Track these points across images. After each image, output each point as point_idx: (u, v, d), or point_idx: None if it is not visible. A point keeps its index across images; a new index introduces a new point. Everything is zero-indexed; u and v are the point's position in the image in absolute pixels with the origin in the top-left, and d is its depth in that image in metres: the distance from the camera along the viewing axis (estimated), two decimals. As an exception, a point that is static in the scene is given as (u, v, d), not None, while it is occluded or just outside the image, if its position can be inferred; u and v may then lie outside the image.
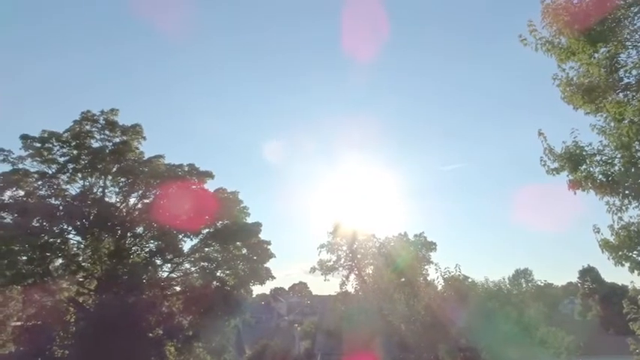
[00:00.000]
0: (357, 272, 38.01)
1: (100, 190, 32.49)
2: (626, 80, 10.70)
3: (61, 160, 31.50)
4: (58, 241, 30.12)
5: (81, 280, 31.89)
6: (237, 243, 33.78)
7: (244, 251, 34.26)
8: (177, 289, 35.45)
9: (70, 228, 31.02)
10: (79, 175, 31.96)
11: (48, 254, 29.57)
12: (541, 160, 11.31)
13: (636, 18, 10.22)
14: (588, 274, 70.99)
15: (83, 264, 31.41)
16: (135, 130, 33.18)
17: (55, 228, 29.87)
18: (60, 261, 31.05)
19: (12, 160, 30.26)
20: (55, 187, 31.09)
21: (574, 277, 77.37)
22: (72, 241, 31.39)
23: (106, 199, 32.49)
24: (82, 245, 31.18)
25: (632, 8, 10.20)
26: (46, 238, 29.25)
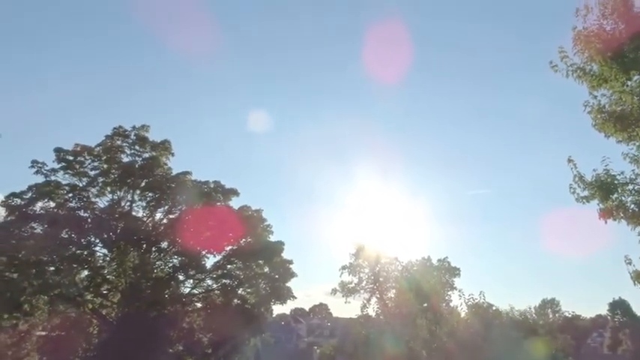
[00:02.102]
0: (378, 295, 37.53)
1: (128, 204, 33.07)
2: (660, 109, 10.49)
3: (92, 173, 32.24)
4: (85, 253, 30.63)
5: (105, 292, 32.30)
6: (260, 261, 33.79)
7: (266, 270, 34.24)
8: (199, 305, 35.59)
9: (97, 240, 31.56)
10: (109, 188, 32.62)
11: (75, 266, 30.06)
12: (570, 188, 11.10)
13: (671, 47, 10.05)
14: (619, 306, 68.69)
15: (108, 277, 31.83)
16: (164, 147, 33.81)
17: (83, 240, 30.46)
18: (86, 273, 31.53)
19: (45, 172, 31.08)
20: (84, 199, 31.76)
21: (603, 310, 74.91)
22: (98, 254, 31.92)
23: (133, 213, 33.02)
24: (108, 258, 31.63)
25: (666, 37, 10.05)
26: (73, 249, 29.80)
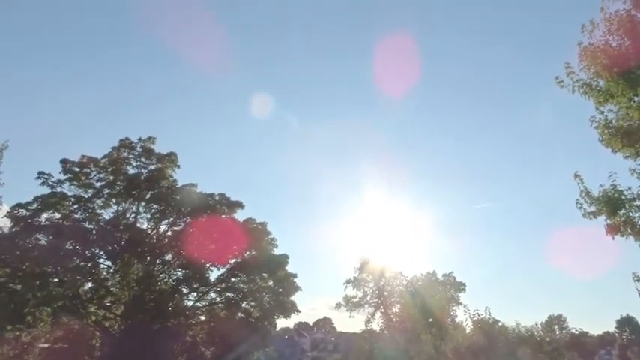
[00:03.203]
0: (383, 310, 37.33)
1: (133, 215, 33.10)
2: (667, 124, 10.44)
3: (98, 185, 32.34)
4: (90, 264, 30.62)
5: (108, 304, 32.22)
6: (264, 274, 33.69)
7: (270, 283, 34.11)
8: (202, 318, 35.45)
9: (101, 252, 31.55)
10: (114, 200, 32.69)
11: (79, 277, 30.01)
12: (577, 203, 11.03)
13: (677, 63, 10.03)
14: (627, 323, 67.88)
15: (112, 289, 31.78)
16: (170, 159, 33.91)
17: (87, 252, 30.46)
18: (89, 285, 31.49)
19: (51, 183, 31.20)
20: (90, 211, 31.83)
21: (611, 327, 74.01)
22: (102, 266, 31.90)
23: (138, 225, 33.04)
24: (112, 270, 31.61)
25: (672, 53, 10.03)
26: (78, 261, 29.79)
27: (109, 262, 31.94)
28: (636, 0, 10.32)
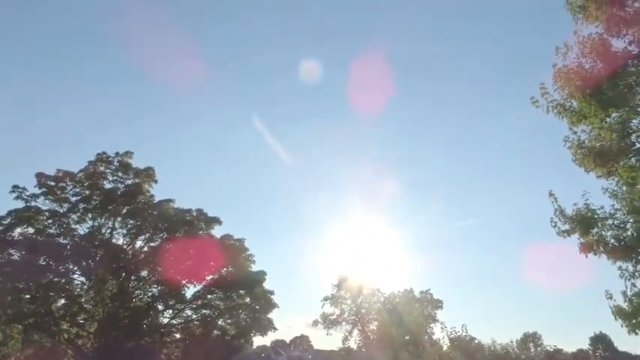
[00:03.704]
0: (360, 327, 37.21)
1: (109, 231, 32.58)
2: (638, 145, 10.74)
3: (73, 199, 31.81)
4: (63, 280, 29.99)
5: (81, 322, 31.45)
6: (241, 291, 33.37)
7: (247, 300, 33.81)
8: (177, 336, 34.82)
9: (75, 268, 30.92)
10: (89, 215, 32.16)
11: (51, 294, 29.35)
12: (551, 222, 11.22)
13: (647, 86, 10.40)
14: (600, 341, 68.85)
15: (85, 305, 31.08)
16: (147, 174, 33.59)
17: (61, 267, 29.82)
18: (62, 301, 30.76)
19: (26, 197, 30.60)
20: (64, 226, 31.25)
21: (585, 344, 74.90)
22: (76, 282, 31.25)
23: (114, 241, 32.53)
24: (86, 286, 30.96)
25: (643, 76, 10.40)
26: (51, 277, 29.15)
27: (83, 279, 31.34)
28: (608, 24, 10.70)
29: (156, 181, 34.09)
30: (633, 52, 10.39)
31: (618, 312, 10.33)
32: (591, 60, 10.58)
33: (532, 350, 68.00)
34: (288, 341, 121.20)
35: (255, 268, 34.43)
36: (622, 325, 10.29)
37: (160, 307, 33.17)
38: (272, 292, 33.95)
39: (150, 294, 32.96)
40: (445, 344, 34.66)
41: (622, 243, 10.39)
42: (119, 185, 32.96)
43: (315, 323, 38.00)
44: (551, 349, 67.38)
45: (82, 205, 31.82)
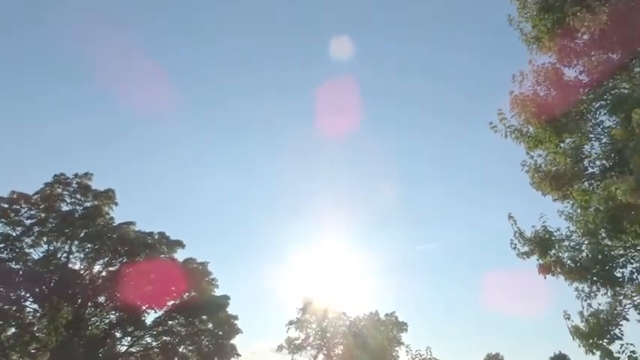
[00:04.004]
0: (326, 352, 36.85)
1: (65, 255, 31.38)
2: (590, 170, 11.20)
3: (28, 222, 30.60)
4: (14, 308, 28.61)
5: (33, 351, 29.96)
6: (204, 317, 32.62)
7: (210, 326, 33.04)
8: (136, 364, 33.57)
9: (27, 295, 29.60)
10: (45, 238, 30.94)
11: (1, 322, 27.94)
12: (511, 244, 11.48)
13: (598, 113, 10.90)
14: (560, 361, 70.12)
15: (37, 334, 29.68)
16: (107, 195, 32.73)
17: (12, 294, 28.49)
18: (13, 330, 29.28)
19: (-25, 220, 29.29)
20: (17, 250, 29.97)
21: (546, 364, 76.15)
22: (28, 309, 29.86)
23: (70, 265, 31.33)
24: (39, 314, 29.63)
25: (594, 103, 10.91)
26: (1, 304, 27.78)
27: (35, 306, 29.99)
28: (560, 55, 11.23)
29: (116, 204, 33.23)
30: (584, 81, 10.90)
31: (576, 332, 10.56)
32: (545, 88, 11.05)
33: (495, 372, 68.63)
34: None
35: (218, 292, 33.83)
36: (580, 345, 10.51)
37: (118, 335, 32.03)
38: (236, 317, 33.34)
39: (107, 321, 31.81)
40: (410, 367, 34.62)
41: (578, 264, 10.68)
42: (77, 207, 31.96)
43: (280, 348, 37.45)
44: (514, 370, 68.14)
45: (36, 229, 30.62)
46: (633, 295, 10.64)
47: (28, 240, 30.58)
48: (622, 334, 10.17)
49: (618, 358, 10.04)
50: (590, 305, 10.63)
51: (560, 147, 11.28)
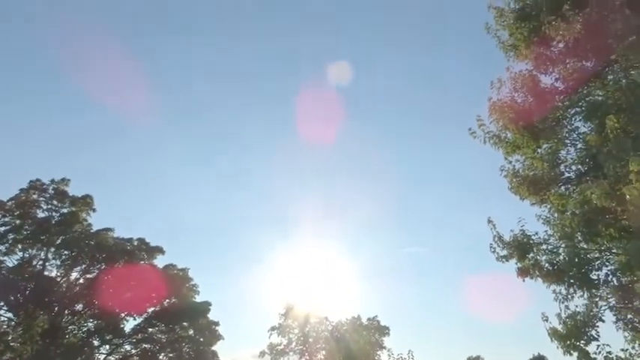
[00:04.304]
0: (308, 357, 36.71)
1: (41, 262, 30.77)
2: (566, 175, 11.45)
3: (1, 229, 29.92)
4: (-13, 317, 27.92)
5: (8, 362, 29.27)
6: (184, 323, 32.31)
7: (191, 332, 32.75)
8: (115, 373, 33.04)
9: (1, 303, 28.92)
10: (19, 246, 30.31)
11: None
12: (491, 247, 11.66)
13: (573, 119, 11.17)
14: (538, 362, 71.10)
15: (12, 344, 28.93)
16: (85, 202, 32.22)
17: (-15, 302, 27.81)
18: (-14, 339, 28.53)
19: (-53, 227, 28.56)
20: (-10, 258, 29.28)
21: (525, 365, 77.11)
22: (2, 318, 29.15)
23: (46, 273, 30.72)
24: (14, 322, 28.93)
25: (569, 110, 11.17)
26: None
27: (10, 314, 29.27)
28: (536, 62, 11.48)
29: (94, 210, 32.75)
30: (559, 88, 11.16)
31: (554, 334, 10.74)
32: (523, 94, 11.27)
33: (475, 374, 69.31)
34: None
35: (199, 298, 33.58)
36: (558, 347, 10.70)
37: (96, 343, 31.54)
38: (217, 324, 33.12)
39: (85, 329, 31.28)
40: (392, 371, 34.76)
41: (555, 267, 10.90)
42: (54, 214, 31.40)
43: (262, 354, 37.14)
44: (493, 372, 68.95)
45: (11, 236, 29.98)
46: (608, 297, 10.89)
47: (2, 247, 29.92)
48: (598, 336, 10.38)
49: (595, 358, 10.24)
50: (567, 307, 10.84)
51: (538, 152, 11.52)
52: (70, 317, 31.27)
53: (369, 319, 38.87)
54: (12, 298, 28.92)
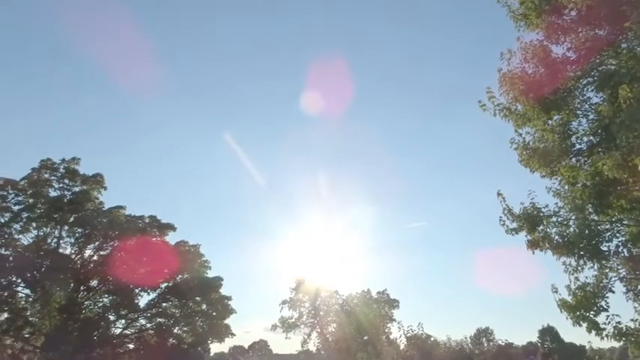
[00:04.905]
0: (319, 330, 37.26)
1: (55, 240, 31.28)
2: (578, 146, 11.29)
3: (16, 208, 30.33)
4: (6, 293, 28.52)
5: (27, 336, 30.04)
6: (197, 298, 32.79)
7: (204, 307, 33.26)
8: (131, 346, 33.79)
9: (19, 280, 29.50)
10: (34, 224, 30.75)
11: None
12: (500, 220, 11.64)
13: (585, 89, 10.93)
14: (548, 333, 71.68)
15: (31, 319, 29.69)
16: (96, 180, 32.48)
17: (3, 280, 28.37)
18: (6, 315, 29.26)
19: (-37, 207, 28.97)
20: (6, 236, 29.76)
21: (534, 337, 77.73)
22: (20, 294, 29.80)
23: (60, 250, 31.24)
24: (31, 299, 29.58)
25: (581, 80, 10.93)
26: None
27: (27, 291, 29.93)
28: (548, 32, 11.21)
29: (105, 188, 33.06)
30: (571, 58, 10.90)
31: (563, 305, 10.79)
32: (533, 65, 11.03)
33: (485, 345, 70.03)
34: (246, 347, 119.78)
35: (211, 273, 34.02)
36: (567, 318, 10.76)
37: (112, 318, 32.18)
38: (229, 298, 33.59)
39: (101, 304, 31.90)
40: (402, 343, 35.23)
41: (565, 239, 10.87)
42: (65, 193, 31.72)
43: (274, 327, 37.77)
44: (503, 343, 69.64)
45: (25, 214, 30.39)
46: (619, 268, 10.89)
47: (17, 226, 30.39)
48: (608, 306, 10.42)
49: (604, 329, 10.30)
50: (577, 279, 10.86)
51: (548, 124, 11.34)
52: (85, 293, 31.88)
53: (378, 293, 39.28)
54: (29, 275, 29.47)
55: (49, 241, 31.15)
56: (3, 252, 29.49)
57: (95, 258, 32.23)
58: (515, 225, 11.46)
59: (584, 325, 10.50)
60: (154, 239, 32.62)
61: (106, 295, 32.04)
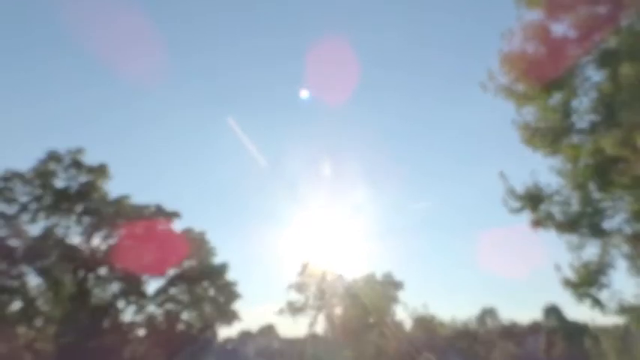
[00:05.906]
0: (325, 313, 37.72)
1: (63, 230, 31.54)
2: (579, 125, 11.37)
3: (23, 199, 30.59)
4: (17, 283, 28.91)
5: (39, 324, 30.50)
6: (204, 284, 33.15)
7: (211, 292, 33.61)
8: (141, 333, 34.28)
9: (29, 270, 29.86)
10: (42, 215, 31.02)
11: (7, 297, 28.31)
12: (503, 200, 11.77)
13: (586, 68, 10.98)
14: (552, 312, 71.98)
15: (42, 308, 30.12)
16: (101, 170, 32.60)
17: (13, 270, 28.73)
18: (18, 304, 29.71)
19: (-29, 200, 29.23)
20: (15, 227, 30.05)
21: (538, 315, 78.11)
22: (31, 284, 30.18)
23: (69, 240, 31.53)
24: (42, 288, 29.98)
25: (582, 59, 10.96)
26: (3, 280, 28.07)
27: (38, 280, 30.30)
28: (549, 10, 11.20)
29: (110, 178, 33.21)
30: (572, 37, 10.92)
31: (566, 282, 10.97)
32: (534, 45, 11.08)
33: (489, 324, 70.56)
34: (254, 331, 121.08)
35: (217, 260, 34.31)
36: (571, 295, 10.94)
37: (122, 305, 32.52)
38: (236, 283, 33.92)
39: (110, 292, 32.26)
40: (408, 324, 35.69)
41: (568, 217, 11.01)
42: (72, 183, 31.90)
43: (281, 311, 38.28)
44: (508, 323, 70.16)
45: (33, 206, 30.61)
46: (621, 245, 11.02)
47: (25, 217, 30.63)
48: (610, 283, 10.59)
49: (607, 305, 10.48)
50: (580, 256, 11.02)
51: (549, 103, 11.41)
52: (95, 281, 32.23)
53: (384, 275, 39.61)
54: (39, 264, 29.81)
55: (57, 231, 31.43)
56: (12, 243, 29.81)
57: (103, 247, 32.49)
58: (518, 204, 11.60)
59: (587, 301, 10.69)
60: (160, 227, 32.85)
61: (115, 283, 32.36)
